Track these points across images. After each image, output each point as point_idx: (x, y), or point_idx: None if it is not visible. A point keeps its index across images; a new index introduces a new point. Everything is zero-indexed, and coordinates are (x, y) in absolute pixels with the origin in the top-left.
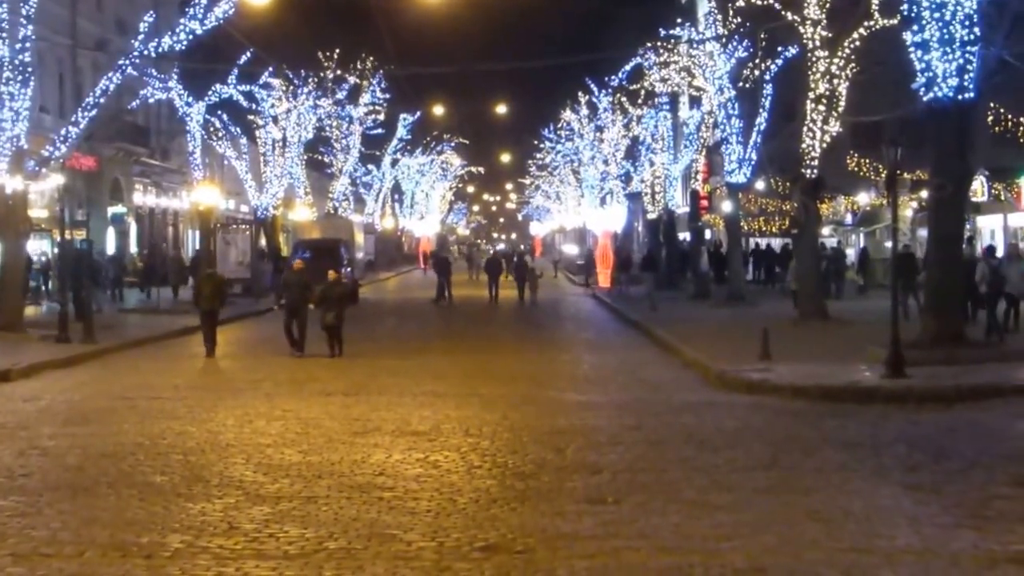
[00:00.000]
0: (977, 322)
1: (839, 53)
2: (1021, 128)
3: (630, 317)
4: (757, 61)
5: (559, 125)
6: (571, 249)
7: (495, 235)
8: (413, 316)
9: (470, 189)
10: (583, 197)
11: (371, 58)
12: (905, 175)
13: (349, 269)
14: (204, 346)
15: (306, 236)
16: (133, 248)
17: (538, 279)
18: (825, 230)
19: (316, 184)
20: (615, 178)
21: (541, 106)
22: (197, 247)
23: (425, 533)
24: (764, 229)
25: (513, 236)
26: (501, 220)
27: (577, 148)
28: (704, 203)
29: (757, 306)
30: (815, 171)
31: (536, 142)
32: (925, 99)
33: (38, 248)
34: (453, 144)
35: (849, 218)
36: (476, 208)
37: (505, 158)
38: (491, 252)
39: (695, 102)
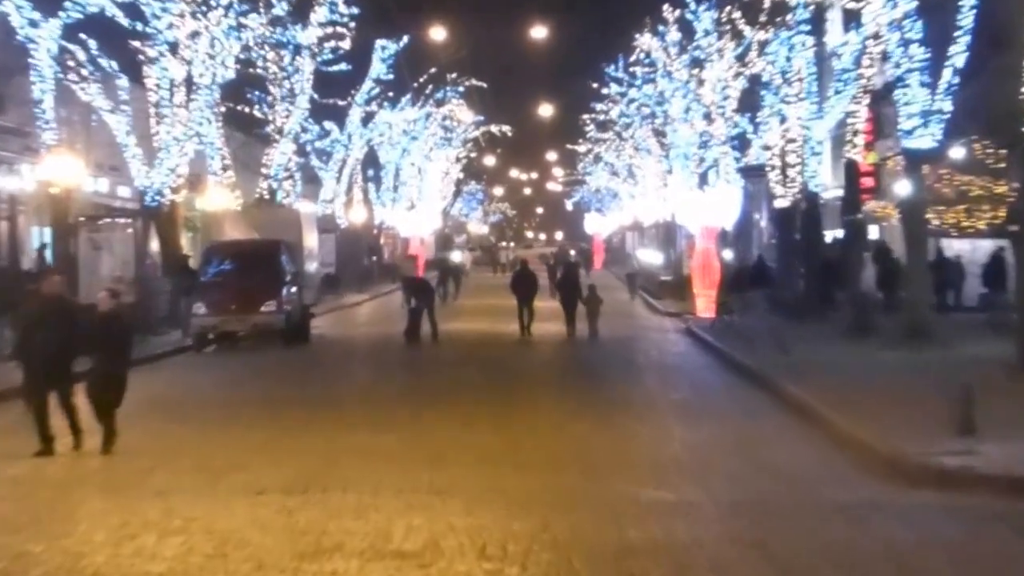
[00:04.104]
0: None
1: None
2: None
3: (746, 365)
4: None
5: (632, 58)
6: (651, 256)
7: (528, 234)
8: (396, 364)
9: (489, 161)
10: (670, 173)
11: None
12: None
13: (294, 289)
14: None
15: (225, 236)
16: None
17: (599, 304)
18: None
19: (241, 153)
20: (723, 143)
21: (602, 28)
22: (46, 252)
23: None
24: (965, 224)
25: (559, 235)
26: (539, 210)
27: (661, 94)
28: (867, 182)
29: (952, 347)
30: None
31: (595, 85)
32: None
33: None
34: (462, 89)
35: None
36: (498, 191)
37: (545, 111)
38: (518, 262)
39: (851, 19)
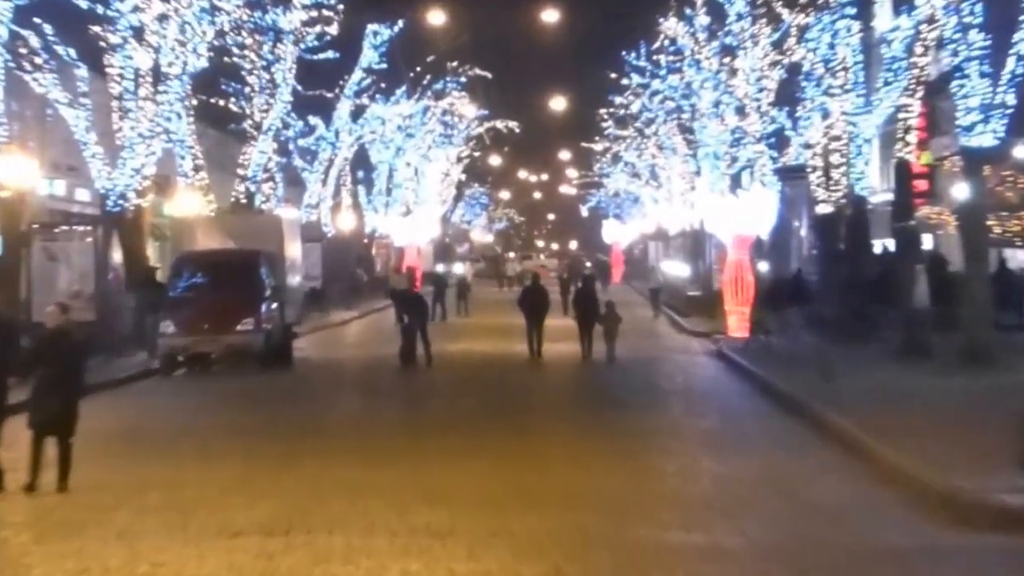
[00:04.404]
0: None
1: None
2: None
3: (784, 391)
4: None
5: (655, 45)
6: (677, 269)
7: (539, 243)
8: (390, 390)
9: (494, 161)
10: (698, 175)
11: None
12: None
13: (274, 305)
14: None
15: (197, 246)
16: None
17: (618, 322)
18: None
19: (215, 152)
20: (757, 141)
21: (622, 10)
22: None
23: None
24: None
25: (573, 245)
26: (550, 216)
27: (688, 86)
28: (921, 185)
29: (1017, 371)
30: None
31: (613, 76)
32: None
33: None
34: (464, 80)
35: None
36: (505, 195)
37: (557, 105)
38: (528, 275)
39: (903, 1)
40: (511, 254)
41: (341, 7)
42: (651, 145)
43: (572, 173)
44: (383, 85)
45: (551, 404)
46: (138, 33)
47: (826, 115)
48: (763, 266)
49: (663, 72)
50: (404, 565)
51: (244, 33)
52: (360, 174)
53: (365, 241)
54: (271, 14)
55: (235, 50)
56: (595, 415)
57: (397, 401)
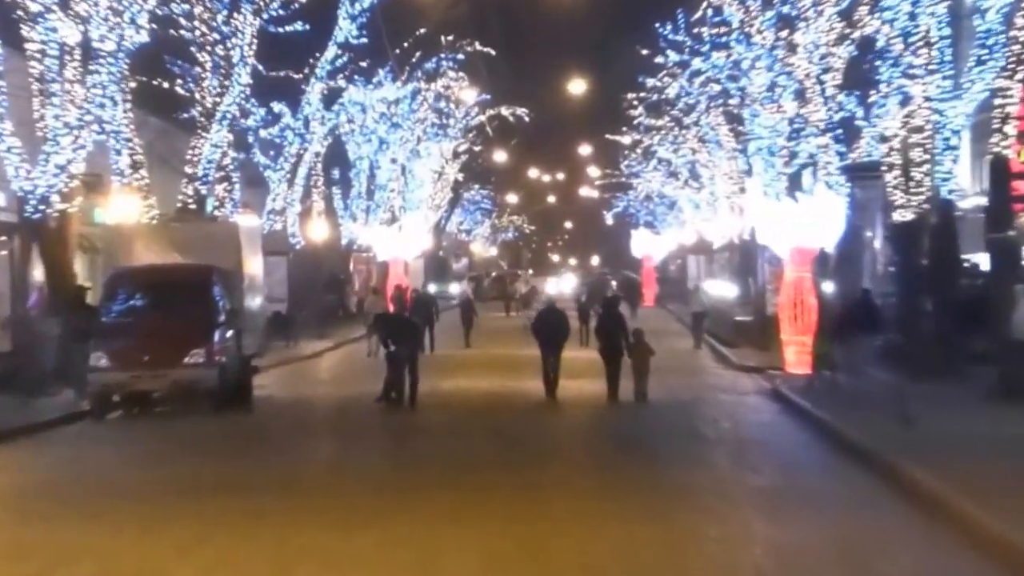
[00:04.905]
0: None
1: None
2: None
3: (854, 440)
4: None
5: (697, 15)
6: (722, 289)
7: (554, 256)
8: (373, 436)
9: (500, 158)
10: (748, 175)
11: None
12: None
13: (230, 333)
14: None
15: (136, 261)
16: None
17: (650, 355)
18: None
19: (158, 146)
20: (822, 132)
21: None
22: None
23: None
24: None
25: (595, 260)
26: (567, 225)
27: (737, 64)
28: (1022, 187)
29: None
30: None
31: (645, 53)
32: None
33: None
34: (462, 58)
35: None
36: (513, 199)
37: (576, 88)
38: (544, 297)
39: None
40: (519, 271)
41: None
42: (691, 138)
43: (594, 172)
44: (363, 64)
45: (568, 454)
46: (63, 1)
47: (905, 101)
48: (828, 286)
49: (706, 48)
50: None
51: (193, 0)
52: (335, 173)
53: (342, 254)
54: None
55: (182, 21)
56: (622, 468)
57: (380, 450)
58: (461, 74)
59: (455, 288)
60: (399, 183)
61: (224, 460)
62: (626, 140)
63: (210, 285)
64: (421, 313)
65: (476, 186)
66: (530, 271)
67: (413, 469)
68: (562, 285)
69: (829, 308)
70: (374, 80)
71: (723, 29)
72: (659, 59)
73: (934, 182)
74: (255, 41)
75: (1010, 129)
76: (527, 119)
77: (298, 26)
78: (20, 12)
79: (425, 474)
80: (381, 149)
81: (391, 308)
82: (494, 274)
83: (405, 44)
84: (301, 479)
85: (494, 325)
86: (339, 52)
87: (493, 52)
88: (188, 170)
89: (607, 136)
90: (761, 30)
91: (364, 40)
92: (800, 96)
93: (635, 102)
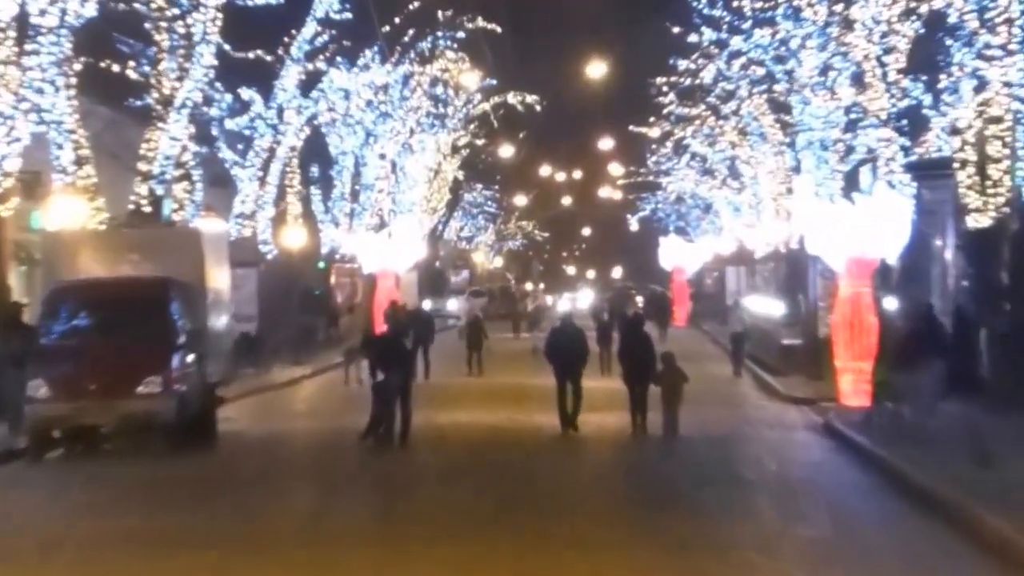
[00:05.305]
0: None
1: None
2: None
3: (923, 484)
4: None
5: None
6: (767, 306)
7: (569, 269)
8: (357, 480)
9: (506, 153)
10: (797, 173)
11: None
12: None
13: (191, 357)
14: None
15: (80, 273)
16: None
17: (683, 382)
18: None
19: (107, 140)
20: (883, 123)
21: None
22: None
23: None
24: None
25: (616, 273)
26: (585, 232)
27: (784, 43)
28: None
29: None
30: None
31: (676, 30)
32: None
33: None
34: (462, 36)
35: None
36: (521, 201)
37: (595, 72)
38: (558, 315)
39: None
40: (529, 285)
41: None
42: (730, 129)
43: (616, 170)
44: (346, 44)
45: (586, 502)
46: None
47: (981, 87)
48: (890, 303)
49: (747, 25)
50: None
51: None
52: (314, 171)
53: (321, 265)
54: None
55: None
56: (649, 519)
57: (366, 498)
58: (461, 55)
59: (453, 305)
60: (389, 182)
61: (183, 509)
62: (654, 133)
63: (167, 301)
64: (422, 330)
65: (479, 186)
66: (541, 285)
67: (404, 520)
68: (579, 302)
69: (891, 329)
70: (360, 62)
71: (768, 3)
72: (693, 38)
73: (1015, 182)
74: (220, 16)
75: None
76: (538, 108)
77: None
78: None
79: (418, 526)
80: (368, 143)
81: (381, 328)
82: (500, 286)
83: (396, 20)
84: (273, 532)
85: (500, 348)
86: (319, 29)
87: (499, 29)
88: (142, 167)
89: (632, 128)
90: (812, 3)
91: (348, 15)
92: (857, 81)
93: (665, 88)
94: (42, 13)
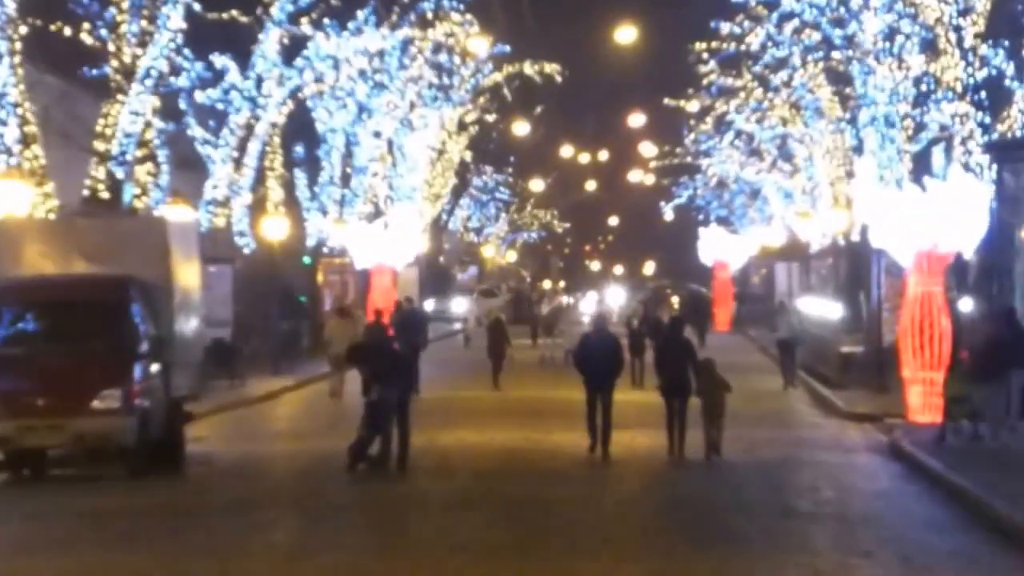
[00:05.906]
0: None
1: None
2: None
3: (1002, 515)
4: None
5: None
6: (822, 308)
7: (593, 264)
8: (346, 510)
9: (521, 131)
10: (858, 154)
11: None
12: None
13: (155, 368)
14: None
15: (28, 269)
16: None
17: (726, 393)
18: None
19: (58, 115)
20: (959, 96)
21: None
22: None
23: None
24: None
25: (648, 269)
26: (612, 222)
27: (845, 2)
28: None
29: None
30: None
31: None
32: None
33: None
34: None
35: None
36: (539, 186)
37: (624, 37)
38: (585, 316)
39: None
40: (548, 284)
41: None
42: (780, 103)
43: (649, 151)
44: (335, 3)
45: (614, 536)
46: None
47: None
48: (967, 304)
49: None
50: None
51: None
52: (299, 151)
53: (306, 262)
54: None
55: None
56: (686, 557)
57: (356, 531)
58: (469, 17)
59: (460, 306)
60: (385, 165)
61: (144, 546)
62: (692, 107)
63: (127, 303)
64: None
65: (489, 169)
66: (561, 284)
67: (403, 558)
68: (608, 301)
69: (968, 335)
70: (351, 26)
71: None
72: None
73: None
74: None
75: None
76: (558, 79)
77: None
78: None
79: (419, 566)
80: (361, 119)
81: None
82: (512, 286)
83: None
84: (249, 573)
85: (517, 357)
86: None
87: None
88: (99, 146)
89: (667, 101)
90: None
91: None
92: (929, 48)
93: (705, 55)
94: None
